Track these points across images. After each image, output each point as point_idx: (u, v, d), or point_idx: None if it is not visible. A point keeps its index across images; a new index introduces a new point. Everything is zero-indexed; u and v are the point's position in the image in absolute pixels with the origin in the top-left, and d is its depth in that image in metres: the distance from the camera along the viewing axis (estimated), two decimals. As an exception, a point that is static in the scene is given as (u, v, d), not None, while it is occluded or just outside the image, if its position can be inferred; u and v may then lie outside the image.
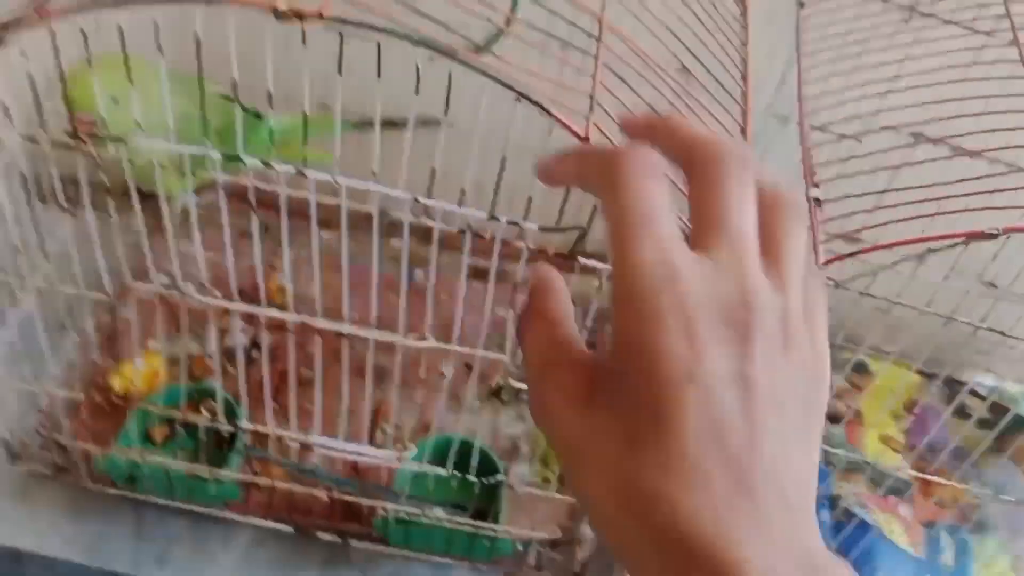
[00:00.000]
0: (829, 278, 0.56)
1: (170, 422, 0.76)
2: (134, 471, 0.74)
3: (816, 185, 0.57)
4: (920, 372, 0.97)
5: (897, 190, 0.59)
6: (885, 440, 0.95)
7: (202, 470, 0.73)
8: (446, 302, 0.90)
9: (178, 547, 0.78)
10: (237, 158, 0.55)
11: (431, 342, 0.64)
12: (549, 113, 0.46)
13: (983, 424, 0.84)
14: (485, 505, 0.77)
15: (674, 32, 0.52)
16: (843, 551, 0.82)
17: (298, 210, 0.61)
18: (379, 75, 0.49)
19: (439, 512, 0.75)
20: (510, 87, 0.46)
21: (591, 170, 0.28)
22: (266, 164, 0.54)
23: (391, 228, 0.87)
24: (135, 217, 0.61)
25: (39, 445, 0.77)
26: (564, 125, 0.46)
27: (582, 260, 0.58)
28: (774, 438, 0.25)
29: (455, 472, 0.72)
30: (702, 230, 0.27)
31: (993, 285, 0.72)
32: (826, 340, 0.28)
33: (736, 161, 0.27)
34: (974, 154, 0.63)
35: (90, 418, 0.72)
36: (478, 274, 0.89)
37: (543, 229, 0.55)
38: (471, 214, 0.55)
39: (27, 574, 0.75)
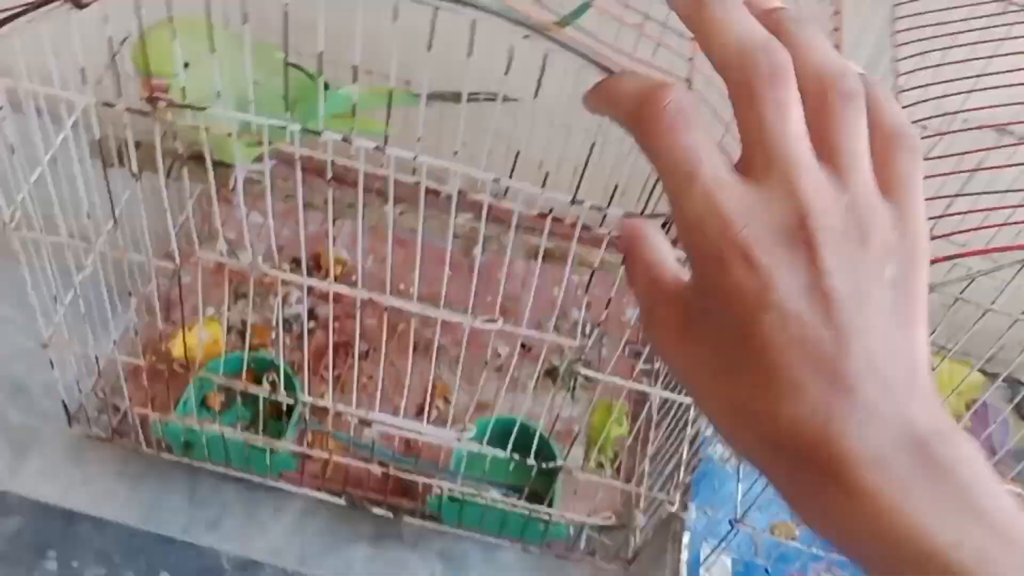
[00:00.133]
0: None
1: (228, 390, 0.75)
2: (191, 438, 0.73)
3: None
4: (983, 371, 0.95)
5: (989, 193, 0.57)
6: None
7: (259, 440, 0.72)
8: (507, 281, 0.89)
9: (230, 514, 0.78)
10: (315, 132, 0.53)
11: (500, 324, 0.63)
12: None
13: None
14: (540, 488, 0.76)
15: None
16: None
17: (366, 183, 0.60)
18: (470, 53, 0.48)
19: (494, 493, 0.74)
20: (577, 51, 0.44)
21: (626, 109, 0.28)
22: (345, 139, 0.53)
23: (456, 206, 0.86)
24: (202, 184, 0.60)
25: (97, 408, 0.77)
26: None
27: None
28: (864, 334, 0.26)
29: (514, 455, 0.71)
30: (747, 153, 0.27)
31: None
32: (918, 206, 0.28)
33: (768, 76, 0.27)
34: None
35: (149, 383, 0.72)
36: (549, 256, 0.88)
37: (628, 215, 0.54)
38: (555, 197, 0.54)
39: (80, 534, 0.75)
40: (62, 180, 0.61)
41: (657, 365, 0.74)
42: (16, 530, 0.75)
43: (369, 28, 0.49)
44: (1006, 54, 0.66)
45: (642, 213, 0.53)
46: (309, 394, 0.71)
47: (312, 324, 0.84)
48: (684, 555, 0.78)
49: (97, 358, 0.72)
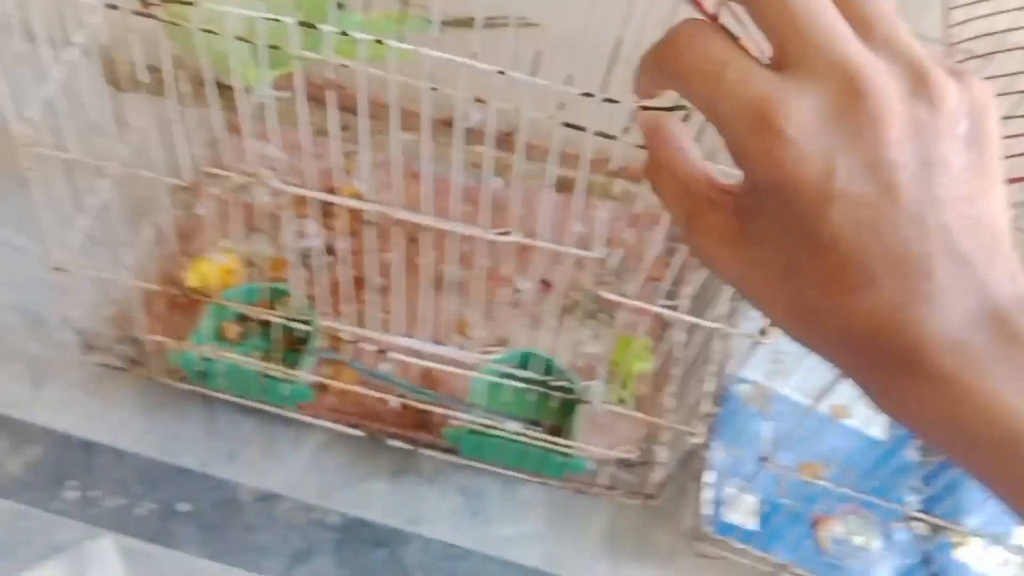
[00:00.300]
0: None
1: (244, 320, 0.74)
2: (207, 367, 0.73)
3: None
4: None
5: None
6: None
7: (275, 369, 0.71)
8: (526, 215, 0.87)
9: (248, 447, 0.77)
10: (317, 42, 0.51)
11: (516, 236, 0.61)
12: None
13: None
14: (559, 422, 0.75)
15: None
16: (937, 499, 0.78)
17: (376, 111, 0.58)
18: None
19: (513, 425, 0.73)
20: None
21: (653, 65, 0.27)
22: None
23: (472, 135, 0.84)
24: (213, 108, 0.59)
25: (113, 337, 0.76)
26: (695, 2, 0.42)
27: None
28: (937, 207, 0.24)
29: (532, 385, 0.69)
30: (777, 47, 0.25)
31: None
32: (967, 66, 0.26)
33: None
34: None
35: (164, 311, 0.71)
36: (563, 186, 0.86)
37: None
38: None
39: (98, 465, 0.75)
40: (73, 100, 0.60)
41: (680, 298, 0.72)
42: (37, 459, 0.75)
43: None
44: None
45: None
46: (324, 321, 0.70)
47: (329, 259, 0.83)
48: (707, 493, 0.76)
49: (112, 286, 0.71)
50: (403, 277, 0.65)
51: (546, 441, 0.72)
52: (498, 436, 0.72)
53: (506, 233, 0.59)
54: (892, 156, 0.24)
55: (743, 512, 0.76)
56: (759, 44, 0.26)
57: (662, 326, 0.81)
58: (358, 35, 0.49)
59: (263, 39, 0.51)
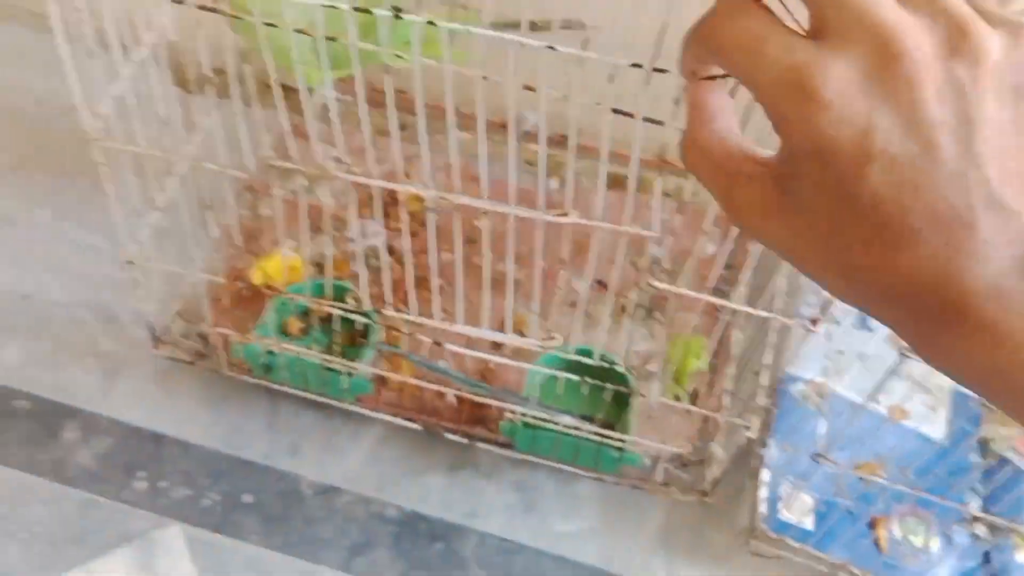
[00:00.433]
0: None
1: (306, 316, 0.75)
2: (270, 360, 0.74)
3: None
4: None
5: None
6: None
7: (336, 362, 0.72)
8: (581, 216, 0.87)
9: (309, 440, 0.78)
10: (371, 32, 0.52)
11: (573, 217, 0.61)
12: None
13: None
14: (613, 418, 0.74)
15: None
16: (994, 499, 0.76)
17: (433, 112, 0.59)
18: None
19: (567, 420, 0.72)
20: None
21: (695, 40, 0.27)
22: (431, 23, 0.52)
23: (529, 135, 0.85)
24: (278, 108, 0.60)
25: (181, 331, 0.78)
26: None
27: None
28: (977, 162, 0.24)
29: (588, 379, 0.69)
30: (813, 17, 0.25)
31: None
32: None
33: None
34: None
35: (230, 306, 0.72)
36: (616, 183, 0.86)
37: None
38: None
39: (166, 457, 0.77)
40: (143, 98, 0.62)
41: (735, 292, 0.72)
42: (107, 451, 0.77)
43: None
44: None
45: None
46: (385, 322, 0.71)
47: (390, 259, 0.84)
48: (763, 491, 0.75)
49: (181, 280, 0.73)
50: (462, 276, 0.65)
51: (599, 435, 0.72)
52: (552, 430, 0.72)
53: (563, 214, 0.59)
54: (930, 115, 0.24)
55: (799, 511, 0.75)
56: (799, 21, 0.26)
57: (716, 324, 0.81)
58: (410, 17, 0.50)
59: (321, 30, 0.52)
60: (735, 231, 0.66)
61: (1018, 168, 0.24)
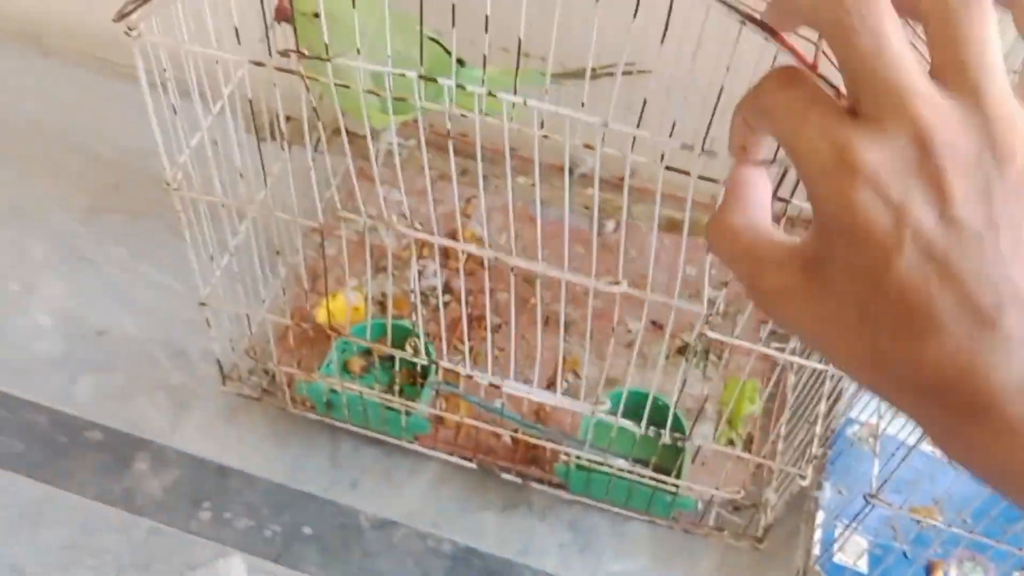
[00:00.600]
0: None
1: (368, 354, 0.77)
2: (333, 398, 0.75)
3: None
4: None
5: None
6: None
7: (395, 401, 0.73)
8: (636, 258, 0.87)
9: (368, 475, 0.79)
10: (433, 79, 0.54)
11: (624, 287, 0.61)
12: (775, 36, 0.42)
13: None
14: (668, 461, 0.74)
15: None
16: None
17: (494, 156, 0.60)
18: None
19: (621, 463, 0.72)
20: (735, 8, 0.42)
21: (746, 105, 0.28)
22: (491, 94, 0.53)
23: (585, 178, 0.86)
24: (346, 154, 0.62)
25: (248, 369, 0.79)
26: (791, 51, 0.42)
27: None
28: (1003, 263, 0.24)
29: (647, 427, 0.69)
30: (852, 93, 0.25)
31: None
32: None
33: (853, 4, 0.25)
34: None
35: (295, 345, 0.74)
36: (672, 226, 0.86)
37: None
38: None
39: (230, 488, 0.78)
40: (219, 149, 0.64)
41: (790, 339, 0.71)
42: (175, 482, 0.78)
43: (503, 6, 0.49)
44: None
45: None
46: (444, 361, 0.72)
47: (447, 297, 0.85)
48: (817, 534, 0.74)
49: (249, 320, 0.75)
50: (516, 316, 0.66)
51: (652, 479, 0.71)
52: (606, 473, 0.72)
53: (616, 283, 0.59)
54: (960, 211, 0.24)
55: (853, 553, 0.74)
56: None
57: (772, 368, 0.80)
58: (473, 88, 0.51)
59: (390, 91, 0.54)
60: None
61: None
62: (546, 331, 0.69)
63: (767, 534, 0.75)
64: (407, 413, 0.74)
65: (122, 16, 0.52)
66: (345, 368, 0.79)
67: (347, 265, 0.67)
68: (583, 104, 0.55)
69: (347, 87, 0.55)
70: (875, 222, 0.24)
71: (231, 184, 0.66)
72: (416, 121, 0.67)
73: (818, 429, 0.72)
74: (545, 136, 0.55)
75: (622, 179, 0.61)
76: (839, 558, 0.73)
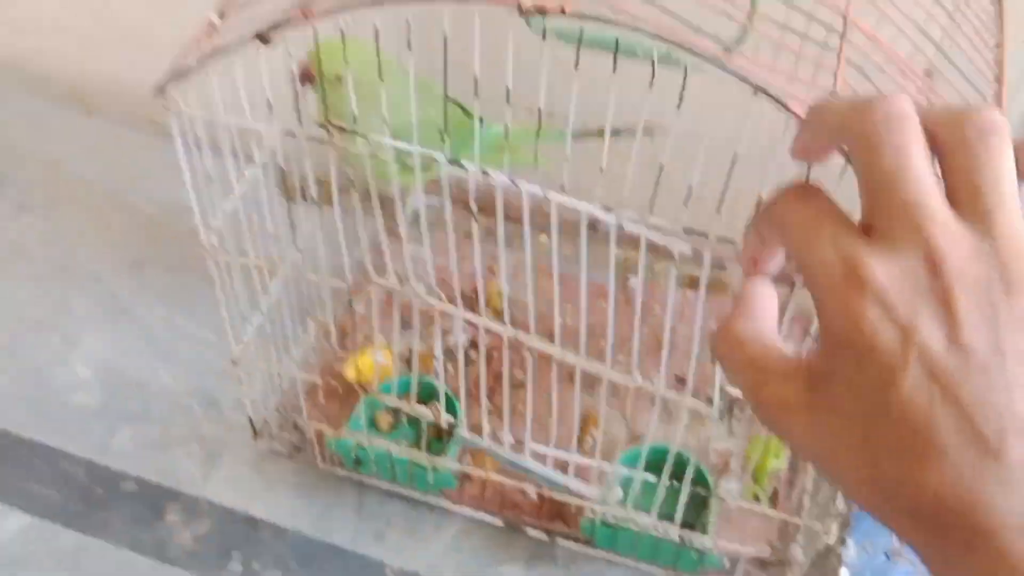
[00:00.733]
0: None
1: (395, 410, 0.77)
2: (360, 454, 0.75)
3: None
4: None
5: None
6: None
7: (422, 457, 0.73)
8: (661, 313, 0.87)
9: (394, 528, 0.79)
10: (459, 163, 0.55)
11: (636, 380, 0.61)
12: (787, 108, 0.43)
13: None
14: (693, 517, 0.74)
15: (922, 28, 0.48)
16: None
17: (517, 215, 0.60)
18: (614, 69, 0.48)
19: (646, 519, 0.72)
20: (746, 80, 0.43)
21: (762, 216, 0.28)
22: (484, 172, 0.54)
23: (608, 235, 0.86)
24: (374, 216, 0.63)
25: (278, 424, 0.80)
26: (801, 119, 0.43)
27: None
28: (1008, 393, 0.23)
29: (670, 481, 0.69)
30: (868, 208, 0.25)
31: None
32: None
33: (883, 122, 0.25)
34: None
35: (324, 401, 0.74)
36: (693, 283, 0.86)
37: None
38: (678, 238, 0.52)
39: (261, 539, 0.78)
40: (253, 210, 0.66)
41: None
42: (206, 532, 0.79)
43: (523, 64, 0.50)
44: None
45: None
46: (469, 418, 0.72)
47: (474, 353, 0.85)
48: (842, 593, 0.73)
49: (280, 377, 0.76)
50: (539, 374, 0.66)
51: (678, 535, 0.71)
52: (631, 529, 0.72)
53: (628, 373, 0.59)
54: (967, 336, 0.23)
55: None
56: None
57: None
58: (494, 174, 0.52)
59: (418, 164, 0.55)
60: (815, 332, 0.65)
61: None
62: (567, 387, 0.69)
63: (794, 592, 0.74)
64: (434, 468, 0.74)
65: (160, 90, 0.53)
66: (373, 423, 0.79)
67: (375, 323, 0.68)
68: (602, 169, 0.56)
69: (377, 156, 0.56)
70: (882, 339, 0.24)
71: (264, 244, 0.67)
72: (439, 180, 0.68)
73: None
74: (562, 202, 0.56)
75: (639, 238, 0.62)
76: (865, 618, 0.72)
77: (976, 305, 0.24)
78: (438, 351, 0.67)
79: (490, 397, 0.75)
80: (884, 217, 0.25)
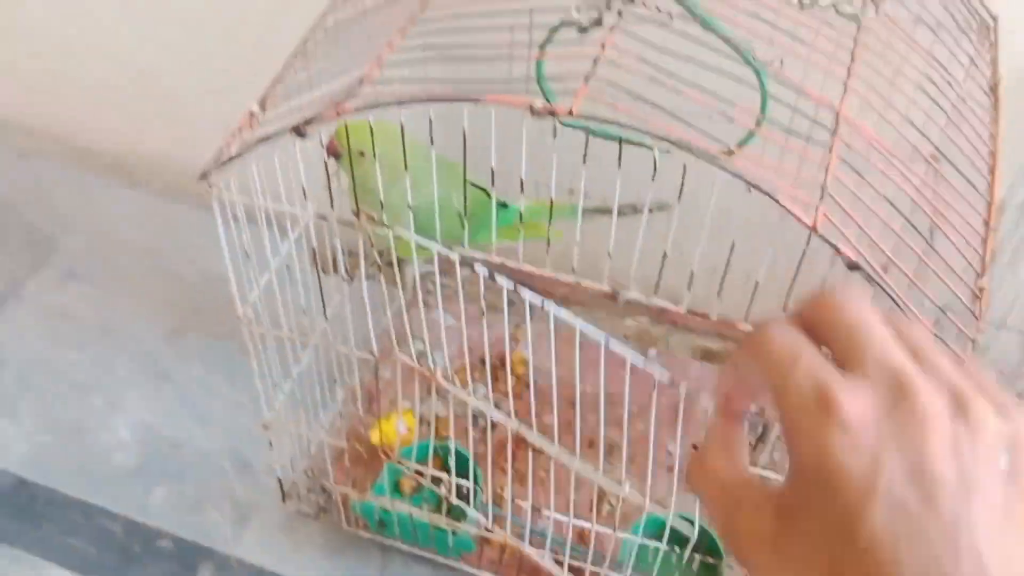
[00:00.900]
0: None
1: (419, 474, 0.79)
2: (384, 517, 0.77)
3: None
4: None
5: None
6: None
7: (442, 521, 0.75)
8: (677, 383, 0.89)
9: (417, 591, 0.80)
10: (449, 252, 0.58)
11: (627, 490, 0.63)
12: (778, 202, 0.45)
13: None
14: (707, 585, 0.74)
15: (916, 126, 0.50)
16: None
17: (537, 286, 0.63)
18: (619, 165, 0.51)
19: (660, 586, 0.73)
20: (741, 177, 0.45)
21: (743, 349, 0.29)
22: (491, 273, 0.57)
23: (628, 305, 0.88)
24: (398, 289, 0.65)
25: (306, 487, 0.82)
26: (792, 214, 0.45)
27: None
28: (971, 530, 0.24)
29: (675, 547, 0.70)
30: (838, 353, 0.27)
31: None
32: (1014, 404, 0.26)
33: (849, 300, 0.27)
34: None
35: (350, 465, 0.77)
36: (708, 355, 0.88)
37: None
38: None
39: (288, 600, 0.80)
40: (286, 284, 0.69)
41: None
42: (235, 592, 0.81)
43: (540, 148, 0.53)
44: None
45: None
46: (490, 483, 0.74)
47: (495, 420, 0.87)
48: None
49: (309, 441, 0.78)
50: (559, 439, 0.68)
51: (692, 603, 0.71)
52: (646, 595, 0.72)
53: (619, 482, 0.61)
54: (934, 467, 0.24)
55: None
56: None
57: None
58: (479, 270, 0.55)
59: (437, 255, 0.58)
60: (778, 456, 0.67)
61: (1007, 553, 0.24)
62: (589, 454, 0.70)
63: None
64: (453, 532, 0.76)
65: (204, 176, 0.57)
66: (397, 487, 0.81)
67: (400, 390, 0.70)
68: (610, 254, 0.59)
69: (400, 237, 0.59)
70: (852, 467, 0.24)
71: (295, 314, 0.70)
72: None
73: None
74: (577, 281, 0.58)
75: (661, 309, 0.64)
76: None
77: (945, 436, 0.24)
78: (451, 428, 0.69)
79: (511, 464, 0.77)
80: (855, 356, 0.26)
